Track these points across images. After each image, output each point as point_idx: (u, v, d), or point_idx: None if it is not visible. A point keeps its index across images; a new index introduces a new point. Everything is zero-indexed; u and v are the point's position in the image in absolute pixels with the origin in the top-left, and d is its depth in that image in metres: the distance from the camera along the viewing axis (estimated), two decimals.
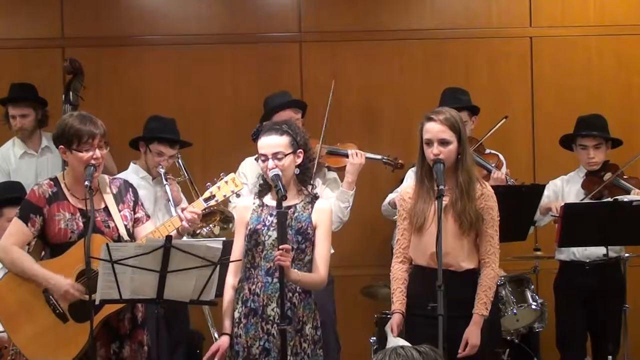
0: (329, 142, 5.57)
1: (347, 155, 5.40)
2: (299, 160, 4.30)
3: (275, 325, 4.18)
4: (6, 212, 5.00)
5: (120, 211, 4.32)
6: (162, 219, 5.20)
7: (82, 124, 4.22)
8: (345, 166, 5.41)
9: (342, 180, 5.50)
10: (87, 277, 4.04)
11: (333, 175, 5.57)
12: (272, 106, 5.50)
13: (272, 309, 4.20)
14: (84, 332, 4.11)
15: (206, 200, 4.32)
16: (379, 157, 5.58)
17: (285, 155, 4.24)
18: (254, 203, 4.36)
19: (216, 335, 5.56)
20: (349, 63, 6.69)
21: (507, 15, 6.76)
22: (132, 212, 4.36)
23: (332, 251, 5.45)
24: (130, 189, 4.42)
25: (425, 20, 6.74)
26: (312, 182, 4.41)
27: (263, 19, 6.71)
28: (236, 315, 4.30)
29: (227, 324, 4.31)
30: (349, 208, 5.41)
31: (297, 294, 4.26)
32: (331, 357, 5.28)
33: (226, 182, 4.33)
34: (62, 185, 4.32)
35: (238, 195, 4.47)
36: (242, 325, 4.27)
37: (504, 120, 5.73)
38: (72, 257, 4.17)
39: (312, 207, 4.32)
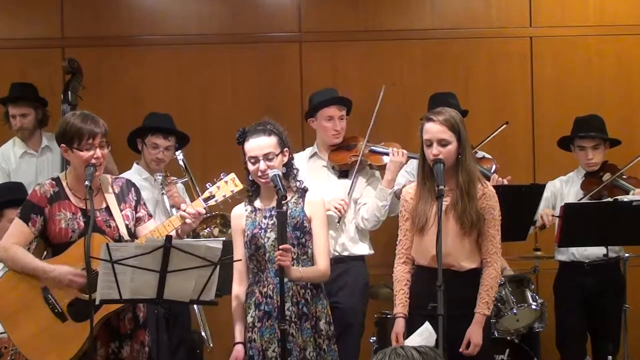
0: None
1: (388, 154, 5.37)
2: (286, 159, 4.35)
3: (293, 324, 4.20)
4: (7, 213, 5.01)
5: (121, 211, 4.32)
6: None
7: (83, 123, 4.23)
8: (386, 165, 5.38)
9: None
10: (87, 277, 4.03)
11: (377, 174, 5.50)
12: (317, 102, 5.46)
13: (288, 309, 4.21)
14: (82, 332, 4.11)
15: (205, 200, 4.32)
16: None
17: (276, 155, 4.29)
18: (245, 209, 4.39)
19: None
20: (349, 63, 6.69)
21: (507, 15, 6.75)
22: (134, 212, 4.37)
23: (372, 252, 5.45)
24: (133, 189, 4.42)
25: (425, 20, 6.74)
26: (297, 177, 4.43)
27: (263, 19, 6.71)
28: (249, 320, 4.32)
29: (237, 332, 4.34)
30: (387, 208, 5.30)
31: (308, 290, 4.30)
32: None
33: (226, 182, 4.33)
34: (64, 185, 4.32)
35: (238, 196, 4.45)
36: (256, 329, 4.28)
37: (504, 125, 5.70)
38: (71, 257, 4.18)
39: (303, 201, 4.36)
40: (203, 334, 5.52)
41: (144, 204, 4.46)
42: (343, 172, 5.43)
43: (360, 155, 5.34)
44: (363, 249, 5.39)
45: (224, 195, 4.33)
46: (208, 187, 4.34)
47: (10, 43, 6.60)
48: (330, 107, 5.40)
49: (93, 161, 4.20)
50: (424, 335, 4.03)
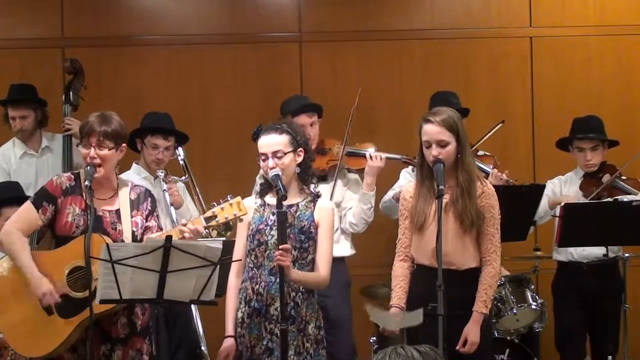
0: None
1: (366, 156, 5.36)
2: (300, 159, 4.31)
3: (279, 325, 4.18)
4: (4, 211, 5.02)
5: (132, 217, 4.31)
6: (163, 220, 5.16)
7: (91, 119, 4.27)
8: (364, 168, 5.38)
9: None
10: (87, 275, 4.05)
11: (354, 176, 5.51)
12: (287, 111, 5.45)
13: (276, 309, 4.20)
14: (65, 328, 4.13)
15: (207, 219, 4.26)
16: (398, 156, 5.54)
17: (285, 153, 4.25)
18: (255, 203, 4.37)
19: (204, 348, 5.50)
20: (349, 63, 6.69)
21: (507, 15, 6.76)
22: (144, 220, 4.34)
23: (354, 252, 5.46)
24: (150, 199, 4.40)
25: (425, 20, 6.74)
26: (313, 181, 4.41)
27: (263, 19, 6.71)
28: (239, 315, 4.30)
29: (230, 326, 4.32)
30: (372, 209, 5.39)
31: (300, 293, 4.27)
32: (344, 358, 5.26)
33: (231, 204, 4.23)
34: (82, 180, 4.32)
35: (241, 220, 4.33)
36: (245, 325, 4.28)
37: (500, 125, 5.69)
38: (68, 252, 4.19)
39: (314, 206, 4.33)
40: (203, 348, 5.49)
41: (157, 216, 4.43)
42: (321, 177, 5.39)
43: (340, 159, 5.34)
44: (344, 250, 5.42)
45: (226, 218, 4.23)
46: (212, 206, 4.29)
47: (10, 43, 6.60)
48: (300, 115, 5.39)
49: (87, 160, 4.22)
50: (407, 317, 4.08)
